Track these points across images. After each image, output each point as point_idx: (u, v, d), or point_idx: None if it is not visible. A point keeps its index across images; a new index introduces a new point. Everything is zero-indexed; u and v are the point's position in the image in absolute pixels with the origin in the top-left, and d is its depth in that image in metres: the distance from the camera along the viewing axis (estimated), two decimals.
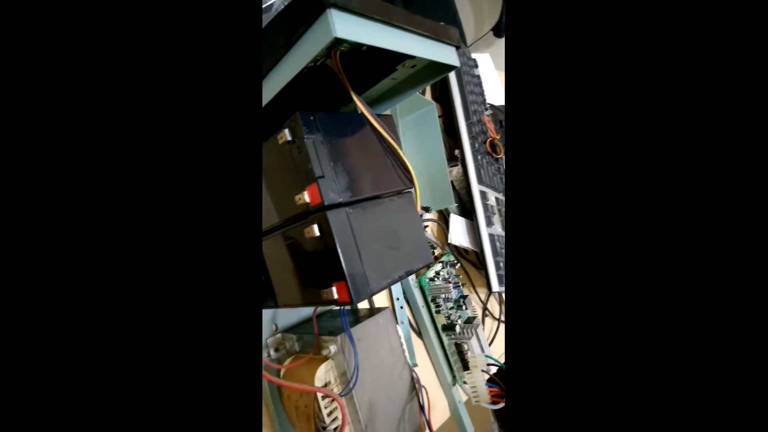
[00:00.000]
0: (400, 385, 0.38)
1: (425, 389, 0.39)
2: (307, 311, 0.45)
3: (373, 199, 0.32)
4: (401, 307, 0.55)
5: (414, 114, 0.61)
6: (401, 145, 0.36)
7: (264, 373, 0.33)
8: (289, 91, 0.32)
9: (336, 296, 0.29)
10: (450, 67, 0.32)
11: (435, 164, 0.59)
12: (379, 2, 0.24)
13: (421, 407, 0.38)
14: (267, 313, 0.42)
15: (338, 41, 0.27)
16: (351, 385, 0.33)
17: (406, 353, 0.40)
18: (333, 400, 0.34)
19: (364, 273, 0.29)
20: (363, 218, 0.31)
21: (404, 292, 0.57)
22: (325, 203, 0.28)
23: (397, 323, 0.53)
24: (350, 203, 0.30)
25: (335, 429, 0.33)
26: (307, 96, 0.37)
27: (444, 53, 0.31)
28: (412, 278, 0.57)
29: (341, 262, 0.28)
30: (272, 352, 0.40)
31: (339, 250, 0.28)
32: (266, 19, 0.33)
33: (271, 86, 0.27)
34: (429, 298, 0.57)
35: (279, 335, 0.41)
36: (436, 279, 0.58)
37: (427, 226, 0.65)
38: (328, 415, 0.34)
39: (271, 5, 0.31)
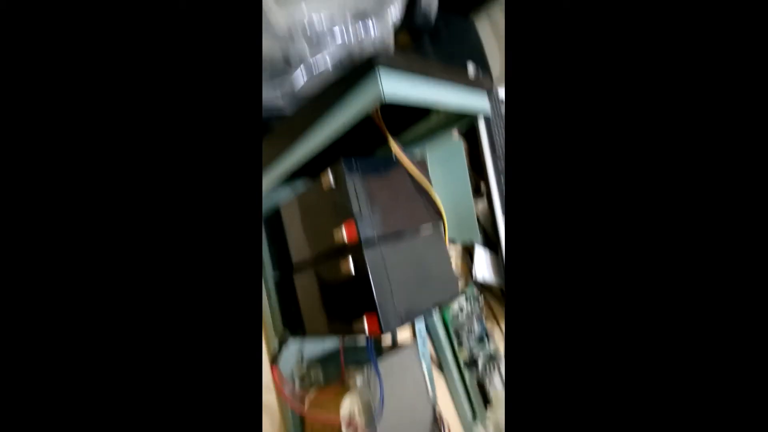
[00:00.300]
0: (423, 419, 0.38)
1: (447, 424, 0.39)
2: (331, 344, 0.46)
3: (404, 234, 0.34)
4: (423, 343, 0.55)
5: (441, 150, 0.64)
6: (431, 182, 0.37)
7: (291, 401, 0.34)
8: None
9: (366, 327, 0.30)
10: (482, 113, 0.34)
11: (461, 198, 0.61)
12: (421, 61, 0.26)
13: None
14: (294, 343, 0.43)
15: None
16: (375, 416, 0.34)
17: (430, 390, 0.41)
18: None
19: (394, 305, 0.30)
20: (395, 253, 0.32)
21: (427, 326, 0.57)
22: (362, 240, 0.30)
23: (420, 354, 0.54)
24: (384, 239, 0.32)
25: None
26: (348, 138, 0.40)
27: (477, 101, 0.33)
28: (435, 312, 0.57)
29: (374, 295, 0.29)
30: (297, 382, 0.41)
31: (372, 284, 0.29)
32: (316, 82, 0.36)
33: (320, 135, 0.30)
34: (452, 332, 0.57)
35: (305, 366, 0.42)
36: (459, 313, 0.58)
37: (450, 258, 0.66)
38: None
39: (322, 71, 0.35)
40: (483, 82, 0.33)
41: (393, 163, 0.35)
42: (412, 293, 0.32)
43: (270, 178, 0.38)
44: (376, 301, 0.29)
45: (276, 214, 0.40)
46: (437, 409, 0.39)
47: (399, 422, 0.36)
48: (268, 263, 0.43)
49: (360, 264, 0.30)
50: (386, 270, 0.31)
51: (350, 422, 0.33)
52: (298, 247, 0.37)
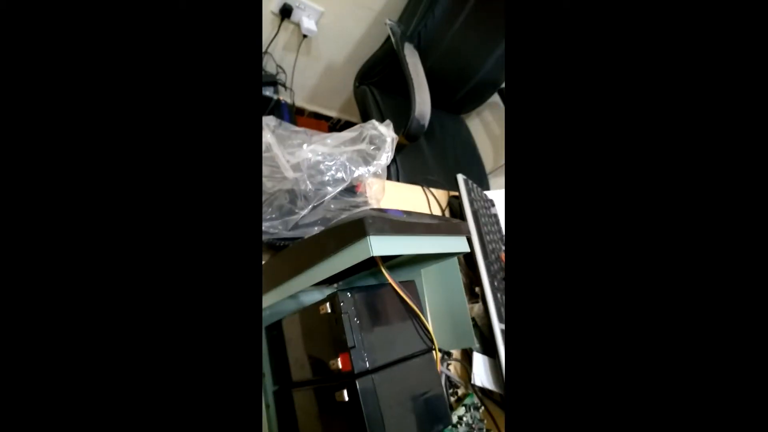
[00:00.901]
0: None
1: None
2: None
3: (397, 363, 0.37)
4: None
5: (438, 263, 0.68)
6: (422, 308, 0.41)
7: None
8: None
9: None
10: (461, 252, 0.39)
11: (456, 307, 0.64)
12: (404, 223, 0.32)
13: None
14: None
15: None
16: None
17: None
18: None
19: None
20: (387, 383, 0.35)
21: None
22: (355, 371, 0.33)
23: None
24: (377, 369, 0.35)
25: None
26: None
27: (456, 244, 0.38)
28: None
29: (365, 424, 0.31)
30: None
31: (365, 416, 0.32)
32: (317, 213, 0.43)
33: (319, 274, 0.35)
34: None
35: None
36: (459, 425, 0.58)
37: (449, 364, 0.66)
38: None
39: (322, 203, 0.42)
40: (462, 229, 0.39)
41: (386, 290, 0.40)
42: (404, 422, 0.34)
43: (270, 298, 0.43)
44: (368, 430, 0.31)
45: (277, 327, 0.44)
46: None
47: None
48: (268, 373, 0.45)
49: (352, 394, 0.33)
50: (378, 399, 0.33)
51: None
52: (297, 364, 0.40)
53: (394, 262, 0.46)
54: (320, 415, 0.37)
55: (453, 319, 0.65)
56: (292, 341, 0.41)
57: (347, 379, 0.33)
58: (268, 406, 0.44)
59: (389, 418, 0.33)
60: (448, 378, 0.65)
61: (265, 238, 0.42)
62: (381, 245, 0.30)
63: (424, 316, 0.41)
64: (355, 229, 0.30)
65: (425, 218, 0.36)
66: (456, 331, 0.64)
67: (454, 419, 0.58)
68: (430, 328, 0.41)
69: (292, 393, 0.41)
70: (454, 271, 0.65)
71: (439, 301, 0.67)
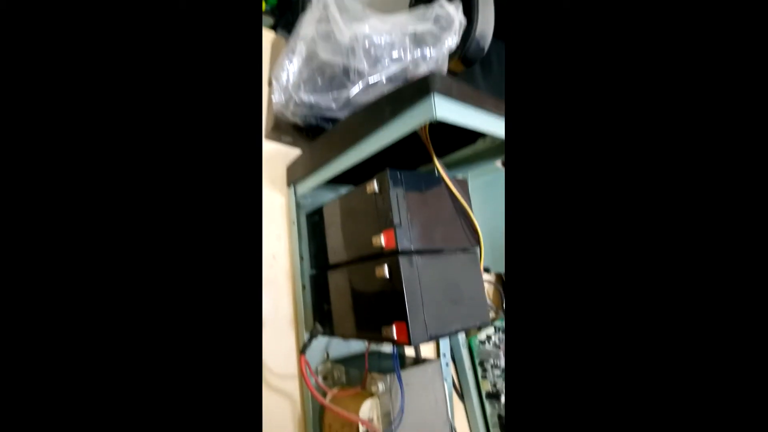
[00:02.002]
0: None
1: None
2: (356, 347, 0.48)
3: (440, 252, 0.35)
4: (446, 364, 0.55)
5: (484, 178, 0.65)
6: (472, 206, 0.39)
7: (313, 391, 0.35)
8: (383, 152, 0.38)
9: (395, 335, 0.31)
10: None
11: (499, 228, 0.61)
12: (472, 91, 0.29)
13: None
14: (321, 341, 0.45)
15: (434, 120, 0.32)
16: (394, 426, 0.34)
17: (449, 411, 0.40)
18: None
19: (423, 318, 0.31)
20: (429, 268, 0.34)
21: (452, 350, 0.57)
22: (399, 249, 0.32)
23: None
24: (420, 252, 0.33)
25: None
26: (393, 152, 0.43)
27: None
28: (461, 337, 0.57)
29: (405, 304, 0.31)
30: (320, 379, 0.43)
31: (405, 293, 0.31)
32: (369, 93, 0.40)
33: (371, 145, 0.33)
34: (477, 361, 0.56)
35: (329, 364, 0.44)
36: (486, 342, 0.58)
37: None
38: None
39: (376, 83, 0.38)
40: None
41: (436, 181, 0.37)
42: (442, 310, 0.33)
43: (318, 177, 0.42)
44: (407, 310, 0.31)
45: (319, 213, 0.43)
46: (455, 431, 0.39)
47: None
48: (307, 257, 0.46)
49: (395, 271, 0.32)
50: (419, 282, 0.32)
51: (369, 426, 0.34)
52: (336, 247, 0.40)
53: (446, 160, 0.43)
54: (355, 293, 0.37)
55: (494, 240, 0.62)
56: (333, 225, 0.41)
57: (390, 255, 0.32)
58: (304, 288, 0.45)
59: (428, 301, 0.32)
60: None
61: (312, 113, 0.40)
62: (446, 108, 0.27)
63: (473, 216, 0.38)
64: (418, 87, 0.27)
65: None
66: (495, 252, 0.62)
67: (483, 337, 0.58)
68: (477, 227, 0.39)
69: (328, 275, 0.41)
70: (501, 189, 0.61)
71: (481, 219, 0.65)
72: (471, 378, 0.55)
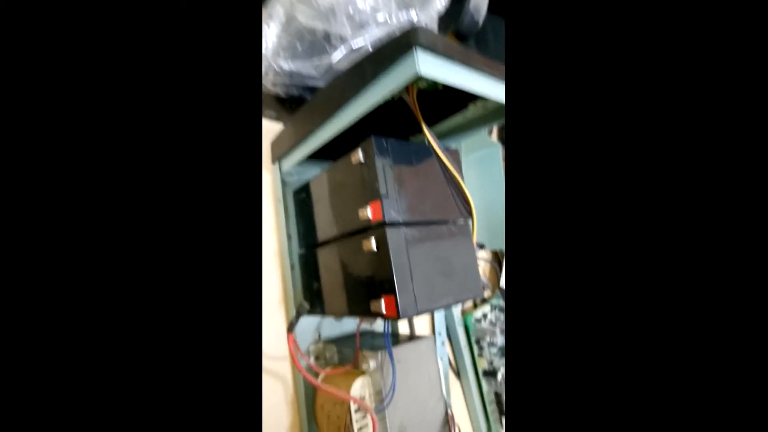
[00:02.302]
0: (433, 417, 0.37)
1: (459, 428, 0.38)
2: (349, 326, 0.47)
3: (431, 224, 0.34)
4: (442, 343, 0.54)
5: (478, 153, 0.63)
6: (464, 178, 0.37)
7: (302, 370, 0.34)
8: (366, 119, 0.36)
9: (384, 309, 0.30)
10: None
11: (495, 204, 0.60)
12: (460, 47, 0.27)
13: None
14: (312, 321, 0.44)
15: (419, 78, 0.30)
16: (385, 403, 0.33)
17: (444, 387, 0.40)
18: (365, 416, 0.34)
19: (413, 291, 0.30)
20: (419, 241, 0.32)
21: (447, 328, 0.56)
22: (386, 221, 0.30)
23: (437, 357, 0.53)
24: (408, 224, 0.32)
25: None
26: (381, 124, 0.41)
27: None
28: (457, 315, 0.56)
29: (393, 277, 0.29)
30: (312, 360, 0.42)
31: (392, 266, 0.29)
32: (353, 59, 0.37)
33: (354, 110, 0.31)
34: (473, 339, 0.55)
35: (321, 344, 0.43)
36: (482, 320, 0.57)
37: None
38: (359, 430, 0.34)
39: (360, 48, 0.36)
40: None
41: (425, 150, 0.35)
42: (433, 283, 0.32)
43: (303, 151, 0.40)
44: (395, 283, 0.29)
45: (305, 190, 0.41)
46: (449, 409, 0.38)
47: (408, 412, 0.35)
48: (296, 236, 0.44)
49: (382, 243, 0.30)
50: (408, 254, 0.31)
51: (360, 404, 0.33)
52: (324, 223, 0.38)
53: (436, 130, 0.41)
54: (344, 270, 0.35)
55: (489, 217, 0.61)
56: (320, 201, 0.39)
57: (377, 228, 0.31)
58: (293, 267, 0.44)
59: (417, 274, 0.31)
60: None
61: (293, 82, 0.38)
62: (430, 64, 0.25)
63: (464, 185, 0.37)
64: (399, 42, 0.25)
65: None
66: (491, 230, 0.61)
67: (479, 315, 0.57)
68: (470, 199, 0.37)
69: (317, 252, 0.40)
70: (496, 164, 0.60)
71: (477, 196, 0.63)
72: (467, 356, 0.55)
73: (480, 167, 0.63)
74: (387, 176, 0.31)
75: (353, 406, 0.34)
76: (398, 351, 0.36)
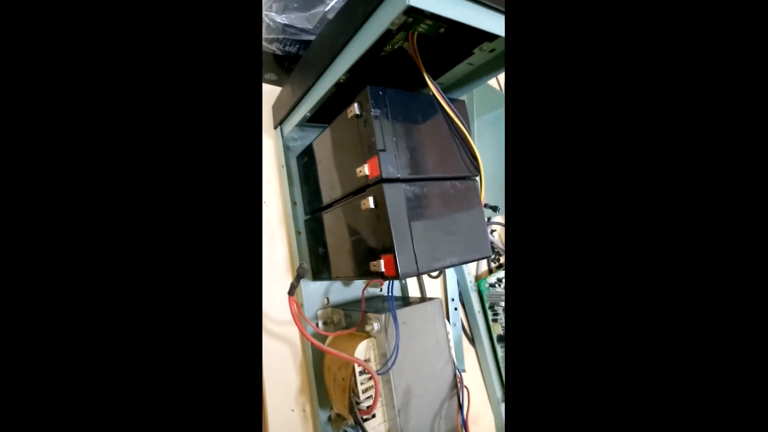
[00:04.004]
0: (441, 379, 0.36)
1: (467, 390, 0.37)
2: (358, 291, 0.46)
3: (433, 181, 0.32)
4: (455, 309, 0.53)
5: (492, 113, 0.59)
6: (473, 134, 0.35)
7: (310, 338, 0.34)
8: (369, 75, 0.34)
9: (383, 269, 0.29)
10: None
11: None
12: None
13: (460, 406, 0.36)
14: (320, 286, 0.43)
15: (415, 20, 0.27)
16: (390, 363, 0.33)
17: (452, 349, 0.39)
18: (370, 378, 0.34)
19: (413, 250, 0.29)
20: (420, 197, 0.30)
21: (461, 294, 0.54)
22: (383, 176, 0.28)
23: (449, 322, 0.52)
24: (408, 180, 0.30)
25: (368, 407, 0.33)
26: (385, 80, 0.38)
27: None
28: (470, 281, 0.54)
29: (391, 236, 0.28)
30: (320, 324, 0.42)
31: (390, 223, 0.28)
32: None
33: (349, 57, 0.29)
34: (487, 305, 0.54)
35: (329, 309, 0.43)
36: (497, 286, 0.55)
37: (494, 231, 0.62)
38: (364, 392, 0.34)
39: None
40: None
41: (428, 101, 0.33)
42: (435, 243, 0.30)
43: (302, 111, 0.38)
44: (394, 242, 0.28)
45: (308, 152, 0.40)
46: (458, 372, 0.37)
47: (414, 374, 0.35)
48: (301, 202, 0.44)
49: (379, 200, 0.29)
50: (408, 212, 0.29)
51: (363, 365, 0.33)
52: (327, 186, 0.37)
53: (442, 81, 0.38)
54: (346, 232, 0.34)
55: (504, 180, 0.58)
56: (322, 162, 0.38)
57: (374, 185, 0.29)
58: (299, 233, 0.43)
59: (418, 232, 0.29)
60: (491, 244, 0.61)
61: (287, 37, 0.36)
62: None
63: (472, 140, 0.34)
64: None
65: None
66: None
67: (493, 280, 0.55)
68: (477, 153, 0.35)
69: (322, 217, 0.39)
70: None
71: (491, 158, 0.60)
72: (481, 322, 0.53)
73: (496, 127, 0.60)
74: (384, 129, 0.29)
75: (357, 368, 0.33)
76: (404, 313, 0.35)
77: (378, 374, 0.33)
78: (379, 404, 0.34)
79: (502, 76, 0.73)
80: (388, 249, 0.28)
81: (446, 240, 0.31)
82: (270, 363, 0.40)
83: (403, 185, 0.30)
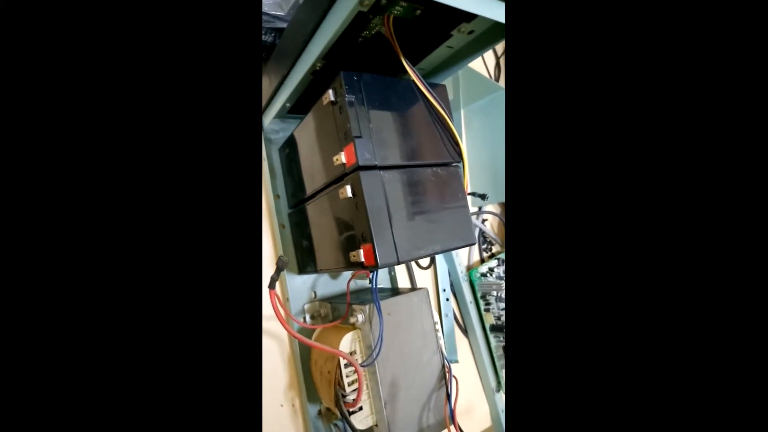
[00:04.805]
0: (429, 370, 0.36)
1: (456, 380, 0.36)
2: (344, 284, 0.45)
3: (414, 168, 0.31)
4: (447, 299, 0.53)
5: (481, 101, 0.58)
6: (459, 122, 0.34)
7: (296, 333, 0.34)
8: (347, 62, 0.33)
9: (362, 258, 0.28)
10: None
11: (501, 153, 0.56)
12: None
13: (448, 396, 0.35)
14: (308, 280, 0.43)
15: (389, 1, 0.27)
16: (374, 355, 0.32)
17: (441, 340, 0.38)
18: (356, 370, 0.33)
19: (392, 239, 0.28)
20: (399, 185, 0.30)
21: (452, 285, 0.54)
22: (360, 164, 0.28)
23: (441, 313, 0.51)
24: (387, 168, 0.29)
25: (353, 400, 0.32)
26: (365, 67, 0.37)
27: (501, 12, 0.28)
28: (461, 271, 0.54)
29: (369, 224, 0.27)
30: (308, 318, 0.41)
31: (368, 212, 0.27)
32: None
33: (320, 41, 0.28)
34: (479, 295, 0.53)
35: (316, 303, 0.42)
36: (489, 275, 0.54)
37: (486, 220, 0.61)
38: (349, 384, 0.33)
39: None
40: None
41: (407, 87, 0.32)
42: (416, 231, 0.30)
43: (279, 101, 0.37)
44: (371, 230, 0.27)
45: (290, 144, 0.39)
46: (447, 363, 0.37)
47: (400, 366, 0.34)
48: (284, 195, 0.43)
49: (357, 188, 0.28)
50: (387, 199, 0.29)
51: (347, 358, 0.32)
52: (308, 177, 0.36)
53: (422, 67, 0.37)
54: (328, 222, 0.34)
55: (494, 169, 0.57)
56: (302, 153, 0.37)
57: (351, 173, 0.29)
58: (283, 227, 0.42)
59: (398, 220, 0.29)
60: (482, 233, 0.60)
61: (262, 25, 0.35)
62: None
63: (452, 124, 0.33)
64: None
65: None
66: (497, 183, 0.57)
67: (484, 269, 0.54)
68: (458, 139, 0.34)
69: (305, 209, 0.38)
70: (500, 110, 0.55)
71: (481, 147, 0.59)
72: (473, 312, 0.53)
73: (484, 115, 0.59)
74: (360, 115, 0.29)
75: (342, 361, 0.33)
76: (388, 303, 0.35)
77: (362, 366, 0.32)
78: (365, 397, 0.34)
79: (491, 63, 0.72)
80: (367, 238, 0.28)
81: (428, 228, 0.31)
82: None
83: (382, 172, 0.29)
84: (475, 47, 0.33)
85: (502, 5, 0.28)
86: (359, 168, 0.28)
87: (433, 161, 0.33)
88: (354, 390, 0.33)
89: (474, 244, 0.33)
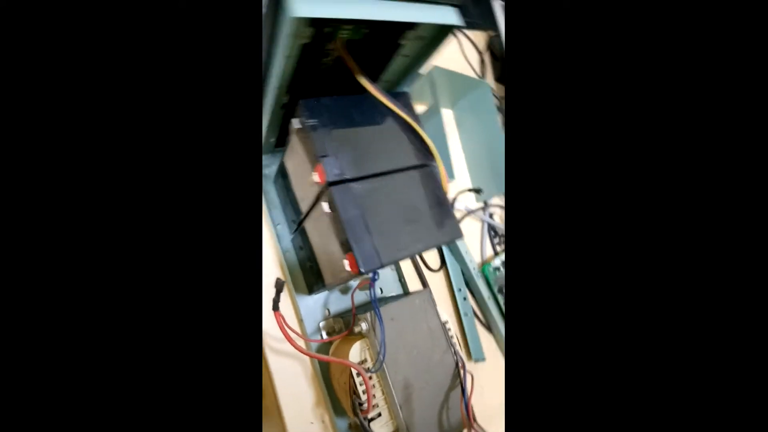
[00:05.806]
0: (441, 370, 0.36)
1: (471, 375, 0.36)
2: (359, 297, 0.47)
3: (386, 174, 0.33)
4: (464, 299, 0.52)
5: (467, 97, 0.59)
6: (418, 120, 0.35)
7: (302, 348, 0.35)
8: (313, 89, 0.35)
9: (348, 267, 0.30)
10: (450, 27, 0.31)
11: (493, 146, 0.56)
12: None
13: (463, 391, 0.35)
14: (319, 299, 0.45)
15: (334, 28, 0.29)
16: (381, 357, 0.33)
17: (455, 338, 0.38)
18: (362, 377, 0.34)
19: (372, 245, 0.29)
20: (373, 192, 0.31)
21: (467, 283, 0.54)
22: (329, 180, 0.30)
23: (460, 314, 0.51)
24: (358, 179, 0.31)
25: (366, 407, 0.33)
26: (333, 91, 0.40)
27: (441, 15, 0.30)
28: (474, 268, 0.53)
29: (346, 234, 0.29)
30: (324, 335, 0.43)
31: (343, 222, 0.29)
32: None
33: (276, 78, 0.30)
34: (495, 289, 0.53)
35: (330, 319, 0.44)
36: (502, 268, 0.54)
37: (493, 214, 0.61)
38: (363, 392, 0.34)
39: None
40: None
41: (369, 101, 0.34)
42: (397, 234, 0.31)
43: (267, 137, 0.40)
44: (349, 239, 0.29)
45: (281, 172, 0.42)
46: (460, 359, 0.37)
47: (411, 368, 0.35)
48: (284, 222, 0.45)
49: (331, 203, 0.30)
50: (362, 208, 0.30)
51: (355, 367, 0.33)
52: (300, 200, 0.39)
53: (386, 79, 0.39)
54: (321, 239, 0.36)
55: (491, 162, 0.57)
56: (293, 177, 0.40)
57: (325, 189, 0.31)
58: (286, 252, 0.45)
59: (376, 226, 0.30)
60: (491, 227, 0.60)
61: None
62: (306, 4, 0.23)
63: (420, 128, 0.35)
64: None
65: None
66: (496, 175, 0.57)
67: (497, 263, 0.54)
68: (428, 140, 0.35)
69: (304, 230, 0.40)
70: (487, 104, 0.56)
71: (474, 142, 0.59)
72: (493, 307, 0.52)
73: (472, 110, 0.59)
74: (324, 136, 0.31)
75: (354, 371, 0.34)
76: (390, 308, 0.36)
77: (371, 372, 0.33)
78: (382, 402, 0.34)
79: (475, 60, 0.73)
80: (348, 248, 0.29)
81: (408, 229, 0.32)
82: (281, 379, 0.41)
83: (353, 184, 0.31)
84: (429, 49, 0.35)
85: (437, 8, 0.30)
86: (330, 184, 0.30)
87: (405, 165, 0.34)
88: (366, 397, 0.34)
89: (461, 237, 0.34)
